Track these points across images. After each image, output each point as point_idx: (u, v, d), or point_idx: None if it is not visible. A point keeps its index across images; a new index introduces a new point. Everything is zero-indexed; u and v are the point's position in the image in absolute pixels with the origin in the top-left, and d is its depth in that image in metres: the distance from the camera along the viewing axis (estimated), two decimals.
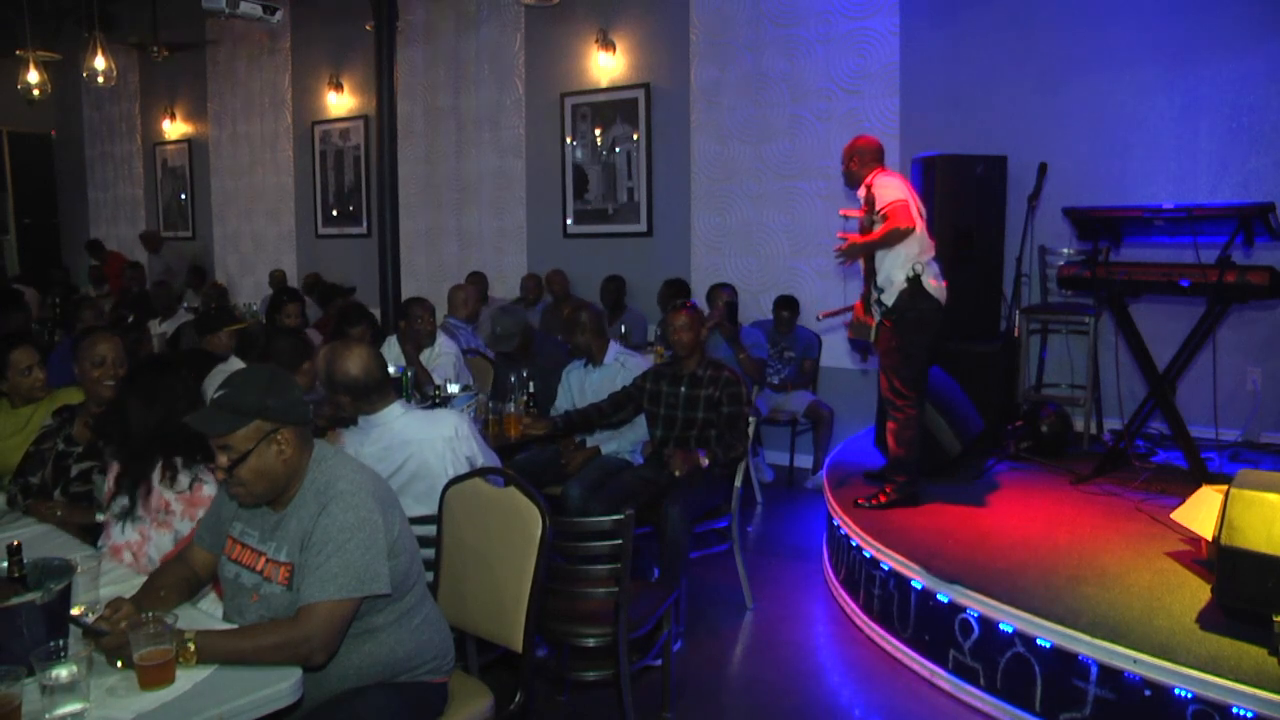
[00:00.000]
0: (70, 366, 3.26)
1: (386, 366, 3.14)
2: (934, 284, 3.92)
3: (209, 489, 2.56)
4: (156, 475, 2.57)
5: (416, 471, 2.99)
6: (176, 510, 2.55)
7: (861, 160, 4.04)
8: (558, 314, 6.46)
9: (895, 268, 3.89)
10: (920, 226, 3.89)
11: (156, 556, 2.51)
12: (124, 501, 2.57)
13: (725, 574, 4.24)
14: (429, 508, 2.90)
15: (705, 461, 3.74)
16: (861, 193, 4.03)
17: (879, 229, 3.86)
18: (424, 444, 3.00)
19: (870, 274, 4.02)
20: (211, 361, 4.16)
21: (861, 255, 4.02)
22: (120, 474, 2.61)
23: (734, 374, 4.03)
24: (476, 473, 2.66)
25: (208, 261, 10.38)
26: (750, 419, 4.01)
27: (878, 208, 3.87)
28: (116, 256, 10.61)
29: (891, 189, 3.88)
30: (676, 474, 3.74)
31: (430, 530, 2.67)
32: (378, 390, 3.01)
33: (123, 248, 11.72)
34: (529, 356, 5.02)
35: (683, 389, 4.04)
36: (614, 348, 4.50)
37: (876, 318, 4.01)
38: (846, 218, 4.15)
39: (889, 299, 3.92)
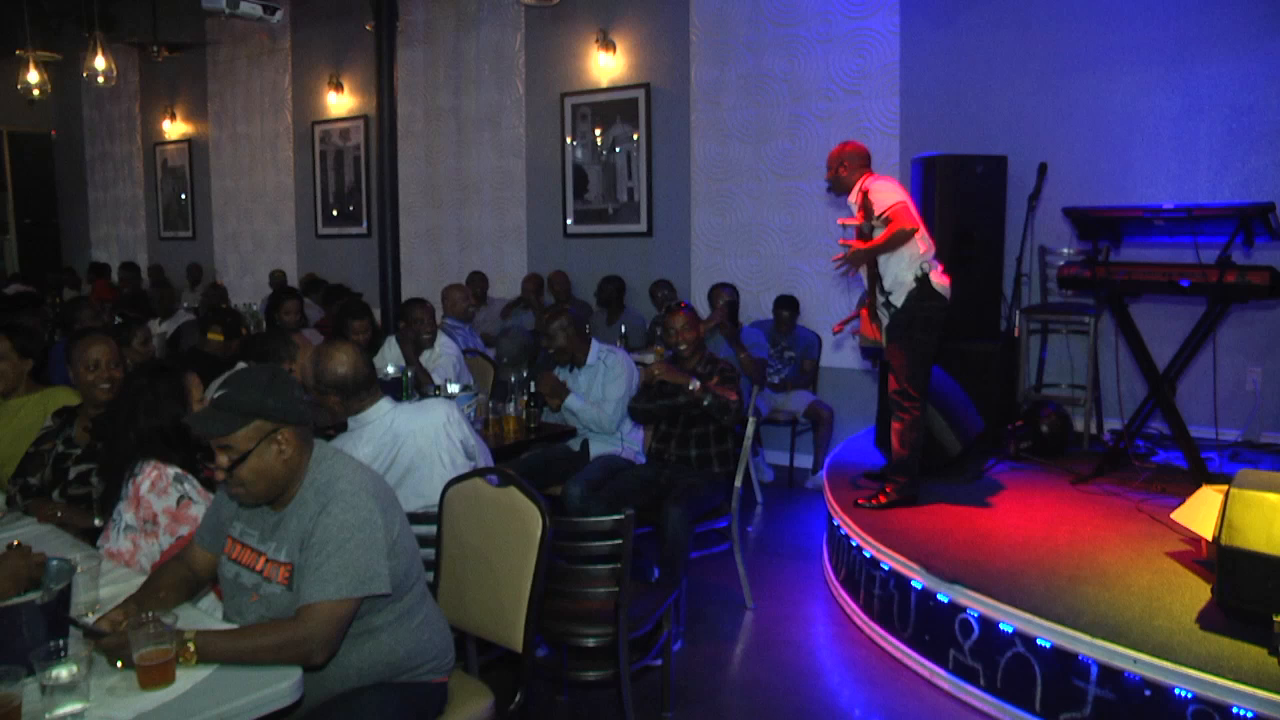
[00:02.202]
0: (66, 366, 3.26)
1: (373, 363, 3.14)
2: (939, 280, 3.92)
3: (196, 509, 2.53)
4: (146, 484, 2.55)
5: (412, 462, 2.99)
6: (162, 523, 2.53)
7: (851, 166, 4.02)
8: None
9: (903, 269, 3.89)
10: (922, 226, 3.90)
11: (148, 565, 2.50)
12: (114, 506, 2.56)
13: (725, 574, 4.24)
14: (426, 500, 2.91)
15: (695, 384, 3.86)
16: (855, 198, 4.00)
17: (883, 233, 3.84)
18: (417, 433, 3.01)
19: (875, 279, 3.98)
20: (215, 363, 4.16)
21: (865, 261, 3.98)
22: (100, 471, 2.61)
23: (728, 364, 4.08)
24: (476, 473, 2.65)
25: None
26: (750, 418, 4.02)
27: (877, 212, 3.85)
28: (102, 286, 10.52)
29: (889, 192, 3.87)
30: (655, 373, 3.94)
31: (430, 530, 2.67)
32: (366, 387, 3.01)
33: (123, 248, 11.74)
34: (529, 364, 5.04)
35: (695, 408, 4.04)
36: (596, 346, 4.49)
37: (885, 320, 3.99)
38: (845, 226, 4.09)
39: (898, 299, 3.90)
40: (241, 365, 4.02)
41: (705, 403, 3.87)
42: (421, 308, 4.93)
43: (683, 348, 4.05)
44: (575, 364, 4.45)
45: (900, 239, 3.82)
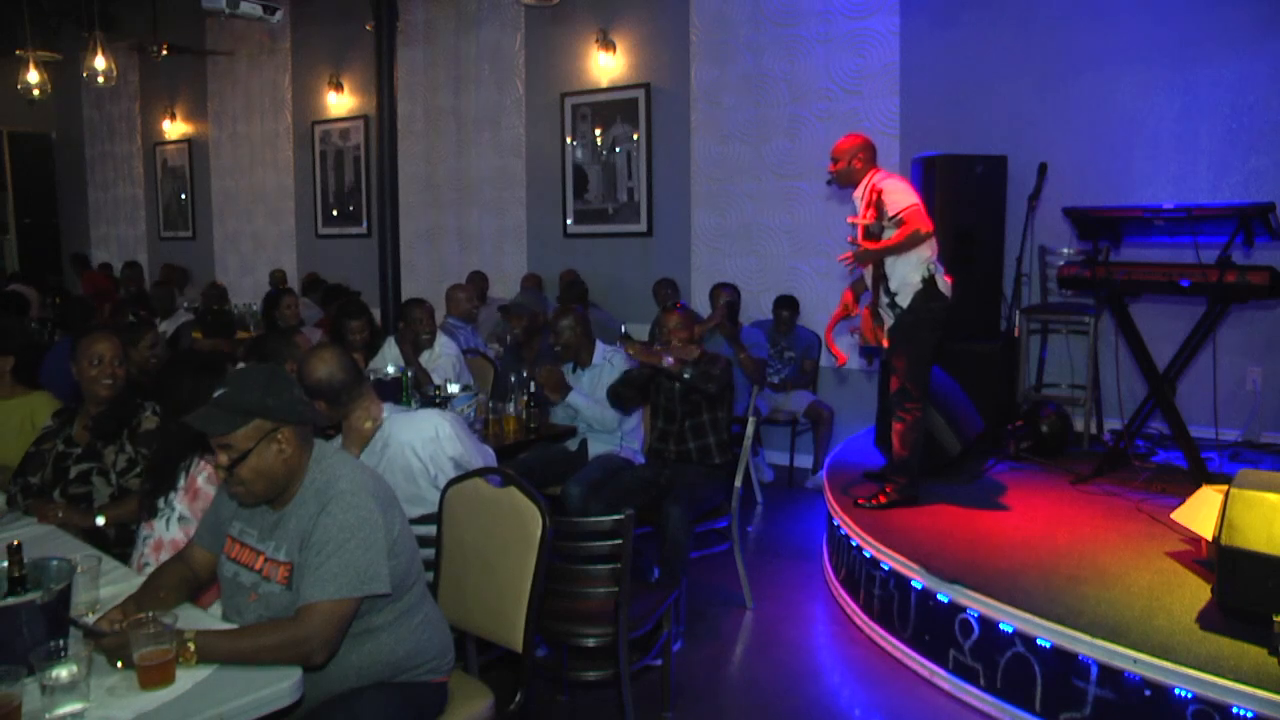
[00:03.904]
0: (67, 366, 3.26)
1: (358, 369, 3.04)
2: (945, 281, 3.92)
3: None
4: (203, 477, 2.59)
5: (398, 476, 2.96)
6: None
7: (865, 158, 3.98)
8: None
9: (910, 270, 3.87)
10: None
11: None
12: (161, 501, 2.58)
13: (725, 574, 4.24)
14: (415, 510, 2.90)
15: (669, 361, 3.79)
16: (865, 195, 3.95)
17: (896, 233, 3.81)
18: (403, 446, 2.96)
19: (880, 279, 3.96)
20: (213, 362, 4.16)
21: (874, 260, 3.95)
22: (151, 466, 2.63)
23: (720, 358, 4.04)
24: (476, 473, 2.65)
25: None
26: (750, 418, 4.03)
27: (891, 213, 3.81)
28: (93, 276, 10.54)
29: (903, 193, 3.84)
30: (630, 352, 3.92)
31: (429, 530, 2.67)
32: (348, 392, 2.92)
33: (123, 248, 11.74)
34: (530, 346, 5.03)
35: (678, 384, 4.04)
36: (601, 347, 4.49)
37: (890, 321, 3.98)
38: (854, 224, 4.05)
39: (904, 300, 3.89)
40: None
41: (686, 375, 3.82)
42: (420, 308, 4.93)
43: (680, 338, 4.05)
44: (580, 364, 4.45)
45: (915, 241, 3.80)
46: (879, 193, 3.87)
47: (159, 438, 2.88)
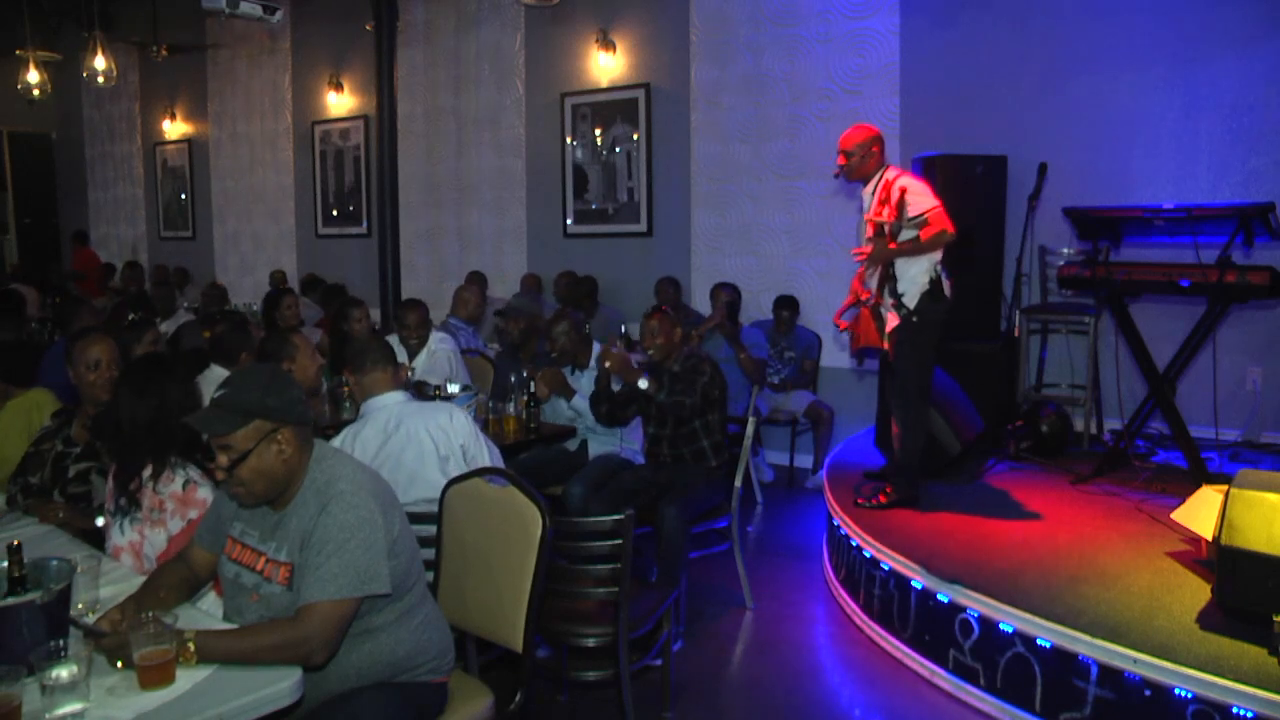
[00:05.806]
0: (65, 366, 3.26)
1: (389, 348, 3.27)
2: (948, 284, 3.92)
3: (203, 492, 2.56)
4: (148, 473, 2.57)
5: (403, 451, 3.05)
6: (169, 508, 2.55)
7: (879, 153, 3.96)
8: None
9: (920, 271, 3.86)
10: None
11: (153, 555, 2.52)
12: (121, 501, 2.57)
13: (725, 574, 4.24)
14: (416, 494, 2.93)
15: (644, 382, 3.86)
16: (875, 191, 3.91)
17: (921, 233, 3.77)
18: (416, 427, 3.09)
19: (887, 279, 3.92)
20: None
21: (890, 260, 3.90)
22: (116, 471, 2.62)
23: (703, 356, 4.07)
24: (476, 473, 2.66)
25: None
26: (750, 418, 4.02)
27: (913, 213, 3.78)
28: (84, 254, 10.53)
29: (925, 194, 3.81)
30: (606, 363, 3.93)
31: (429, 530, 2.67)
32: (370, 359, 3.15)
33: (123, 248, 11.74)
34: (526, 348, 5.02)
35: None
36: (598, 348, 4.49)
37: (893, 321, 3.94)
38: (870, 222, 4.02)
39: (910, 301, 3.87)
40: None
41: (659, 399, 3.86)
42: (414, 312, 4.88)
43: (651, 352, 4.04)
44: (578, 366, 4.45)
45: (940, 242, 3.79)
46: (903, 191, 3.83)
47: (121, 442, 2.67)
